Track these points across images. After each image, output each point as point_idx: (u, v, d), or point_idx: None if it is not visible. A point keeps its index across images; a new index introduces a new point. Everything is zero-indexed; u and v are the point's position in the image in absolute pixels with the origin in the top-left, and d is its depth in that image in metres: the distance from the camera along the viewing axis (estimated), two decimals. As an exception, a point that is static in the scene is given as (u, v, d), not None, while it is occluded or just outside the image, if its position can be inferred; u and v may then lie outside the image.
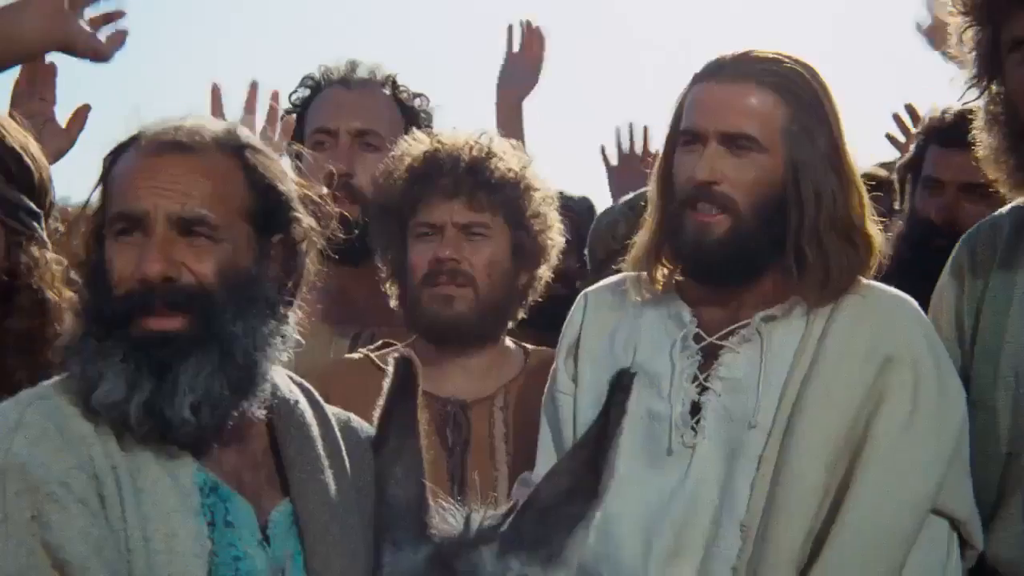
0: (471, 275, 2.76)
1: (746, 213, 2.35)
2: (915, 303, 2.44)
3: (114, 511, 1.85)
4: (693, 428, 2.35)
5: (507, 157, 2.81)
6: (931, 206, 3.19)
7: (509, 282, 2.80)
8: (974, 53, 2.48)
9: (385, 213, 2.86)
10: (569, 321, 2.55)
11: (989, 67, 2.46)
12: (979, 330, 2.49)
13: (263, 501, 1.98)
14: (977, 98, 2.51)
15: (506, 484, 2.69)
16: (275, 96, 3.14)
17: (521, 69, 4.19)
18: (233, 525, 1.93)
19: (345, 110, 3.29)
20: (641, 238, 2.46)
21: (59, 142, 2.90)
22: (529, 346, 2.90)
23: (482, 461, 2.73)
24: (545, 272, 2.86)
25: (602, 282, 2.59)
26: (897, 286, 3.09)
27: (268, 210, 1.99)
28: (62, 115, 2.99)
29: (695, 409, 2.36)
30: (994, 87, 2.48)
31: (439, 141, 2.83)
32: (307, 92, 3.36)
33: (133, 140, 2.00)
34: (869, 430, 2.28)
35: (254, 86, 3.11)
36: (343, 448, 2.05)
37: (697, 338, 2.41)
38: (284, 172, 2.04)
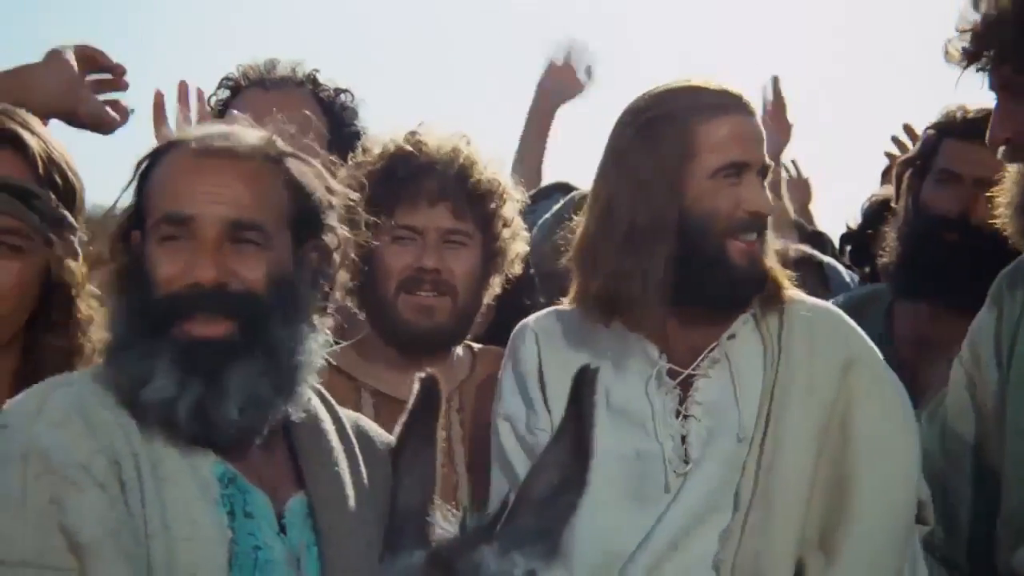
0: (452, 285, 2.72)
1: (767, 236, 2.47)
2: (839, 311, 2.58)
3: (134, 496, 1.86)
4: (684, 460, 2.41)
5: (489, 163, 2.77)
6: (945, 199, 3.17)
7: (480, 290, 2.77)
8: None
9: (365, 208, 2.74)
10: (521, 356, 2.53)
11: None
12: (1015, 355, 2.53)
13: (279, 493, 2.00)
14: None
15: (466, 486, 2.69)
16: (200, 96, 3.08)
17: (564, 82, 4.37)
18: (252, 516, 1.95)
19: (263, 113, 3.21)
20: (644, 276, 2.39)
21: None
22: (475, 345, 2.87)
23: (442, 464, 2.58)
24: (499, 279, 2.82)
25: (544, 315, 2.58)
26: (903, 281, 3.20)
27: (305, 218, 2.02)
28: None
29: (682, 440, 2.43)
30: None
31: (422, 142, 2.75)
32: (227, 93, 3.30)
33: (173, 145, 2.02)
34: (849, 430, 2.41)
35: (183, 85, 3.06)
36: (355, 445, 2.09)
37: (671, 373, 2.45)
38: (321, 180, 2.07)
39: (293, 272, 1.99)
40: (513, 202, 2.80)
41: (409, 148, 2.75)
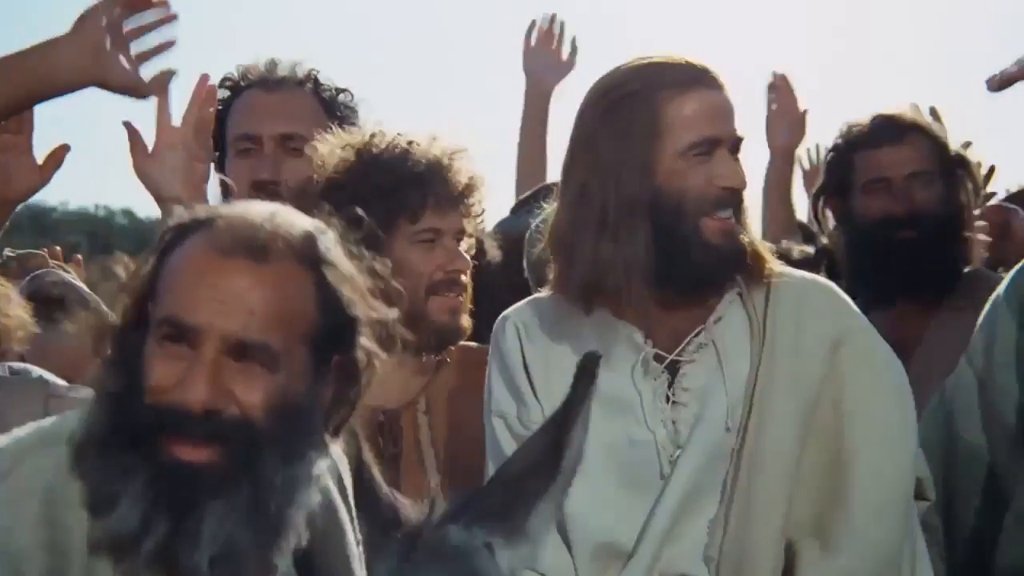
0: (466, 284, 2.78)
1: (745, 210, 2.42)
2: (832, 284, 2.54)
3: None
4: (677, 446, 2.37)
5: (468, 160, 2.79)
6: (885, 203, 3.30)
7: None
8: None
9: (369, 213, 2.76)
10: (505, 350, 2.48)
11: None
12: None
13: None
14: None
15: (439, 490, 2.67)
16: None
17: (548, 60, 4.34)
18: None
19: (267, 114, 3.20)
20: (625, 263, 2.34)
21: (31, 179, 2.80)
22: None
23: (413, 469, 2.72)
24: None
25: (523, 306, 2.53)
26: (876, 291, 3.24)
27: (333, 333, 1.79)
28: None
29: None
30: None
31: (416, 142, 2.75)
32: (226, 94, 3.25)
33: (202, 224, 1.78)
34: (842, 408, 2.35)
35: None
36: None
37: (657, 358, 2.41)
38: (360, 290, 1.83)
39: (305, 396, 1.75)
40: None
41: (421, 153, 2.74)
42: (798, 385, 2.36)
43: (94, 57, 2.42)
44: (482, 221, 2.85)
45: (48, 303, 2.86)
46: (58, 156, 2.83)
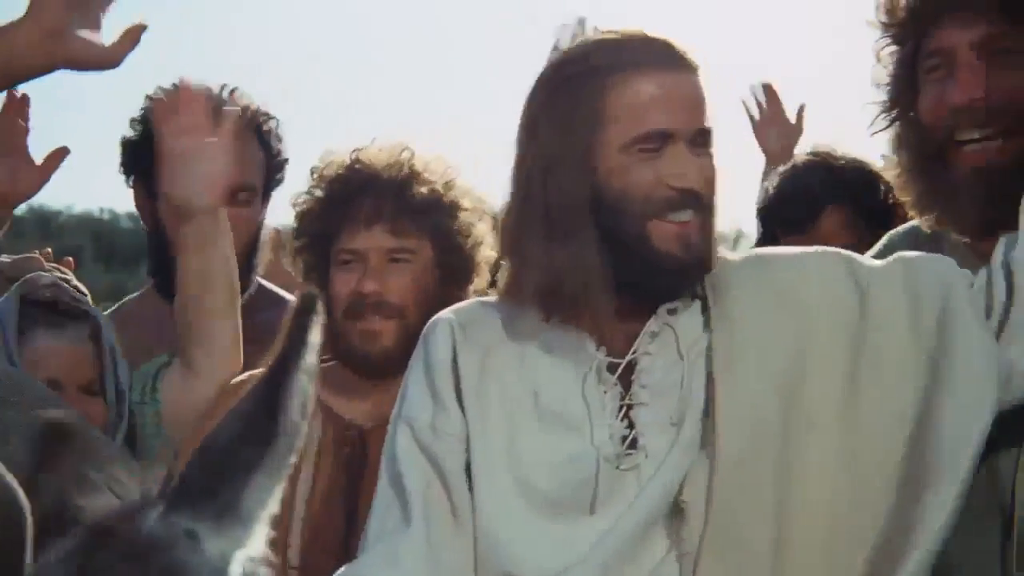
0: (397, 306, 2.71)
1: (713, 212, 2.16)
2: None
3: None
4: (629, 453, 2.10)
5: (431, 175, 2.75)
6: None
7: (437, 304, 2.56)
8: (891, 76, 2.50)
9: (309, 240, 2.79)
10: (432, 349, 2.24)
11: (905, 88, 2.47)
12: None
13: None
14: (888, 126, 2.53)
15: None
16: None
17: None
18: None
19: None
20: (581, 269, 2.11)
21: (30, 180, 2.83)
22: None
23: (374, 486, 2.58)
24: (481, 285, 2.78)
25: (463, 306, 2.33)
26: None
27: None
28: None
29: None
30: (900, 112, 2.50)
31: (358, 161, 2.76)
32: (141, 128, 3.15)
33: None
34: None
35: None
36: None
37: (611, 367, 2.15)
38: None
39: None
40: (468, 211, 2.77)
41: (344, 171, 2.73)
42: (765, 355, 2.10)
43: (53, 37, 2.29)
44: (452, 237, 2.74)
45: (39, 306, 2.88)
46: (57, 158, 2.84)
